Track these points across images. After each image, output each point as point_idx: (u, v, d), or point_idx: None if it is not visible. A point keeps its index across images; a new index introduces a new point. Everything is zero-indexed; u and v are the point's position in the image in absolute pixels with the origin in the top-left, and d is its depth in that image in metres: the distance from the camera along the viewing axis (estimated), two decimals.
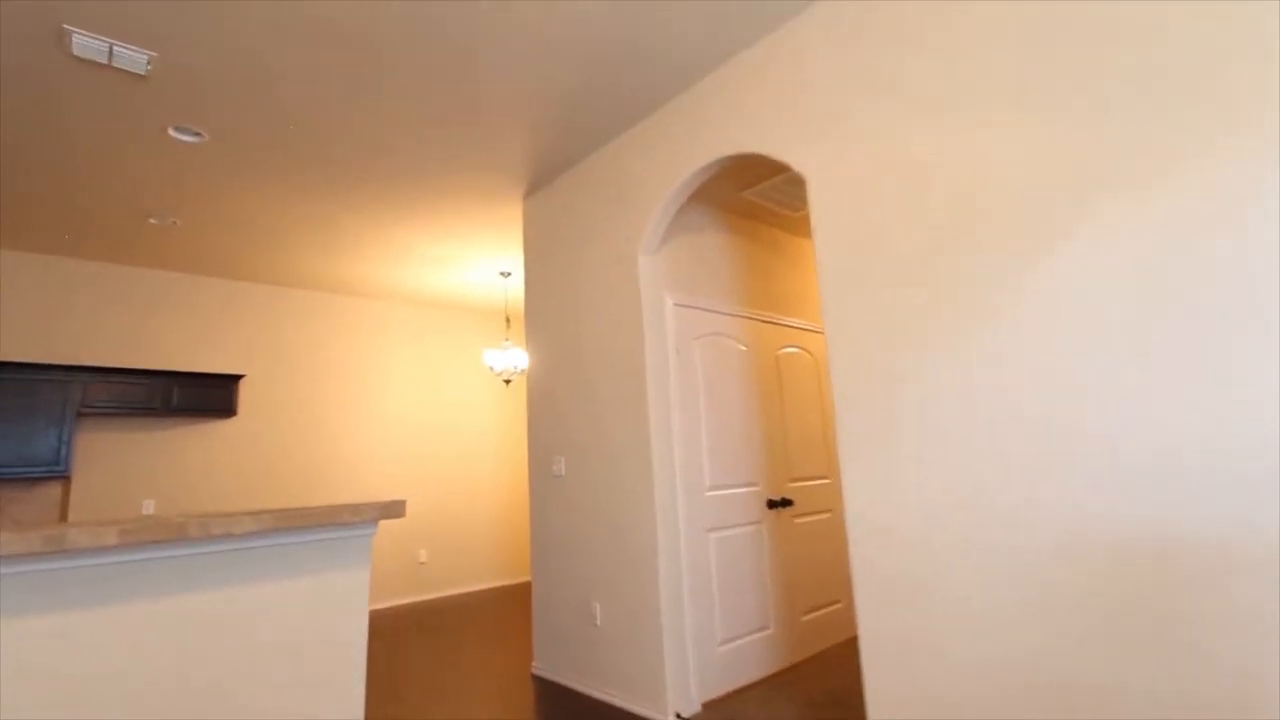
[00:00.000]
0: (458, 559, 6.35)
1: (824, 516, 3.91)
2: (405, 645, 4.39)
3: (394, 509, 2.01)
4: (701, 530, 3.15)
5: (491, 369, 5.41)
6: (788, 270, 4.18)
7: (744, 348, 3.64)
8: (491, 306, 6.74)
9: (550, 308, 3.75)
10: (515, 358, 5.37)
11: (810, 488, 3.86)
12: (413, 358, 6.42)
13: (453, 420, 6.58)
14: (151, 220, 4.20)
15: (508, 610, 5.26)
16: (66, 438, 4.41)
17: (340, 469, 5.80)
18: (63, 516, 4.55)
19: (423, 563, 6.13)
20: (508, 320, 5.61)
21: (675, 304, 3.28)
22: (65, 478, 4.58)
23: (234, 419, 5.32)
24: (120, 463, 4.81)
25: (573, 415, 3.49)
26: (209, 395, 5.00)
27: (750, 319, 3.74)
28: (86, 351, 4.78)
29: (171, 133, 3.17)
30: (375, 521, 2.01)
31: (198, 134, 3.21)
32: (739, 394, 3.53)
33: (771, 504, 3.54)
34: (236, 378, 5.14)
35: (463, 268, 5.41)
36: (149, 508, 4.87)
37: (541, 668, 3.53)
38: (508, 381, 5.41)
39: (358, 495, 5.85)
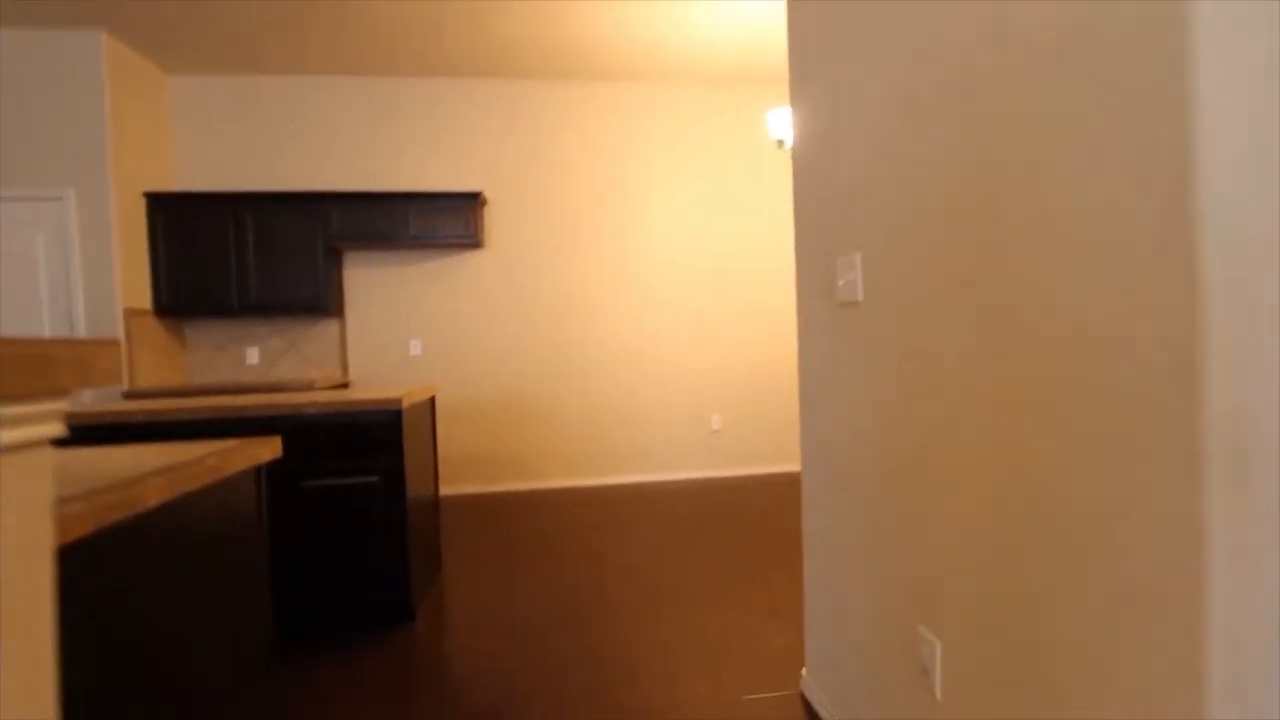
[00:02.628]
0: (756, 428, 4.77)
1: None
2: (644, 560, 3.05)
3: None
4: None
5: (780, 145, 3.31)
6: None
7: None
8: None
9: None
10: None
11: None
12: (683, 155, 4.68)
13: (742, 239, 4.74)
14: None
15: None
16: (325, 272, 4.09)
17: (607, 305, 4.63)
18: (343, 358, 4.41)
19: (716, 430, 4.74)
20: None
21: None
22: (339, 316, 4.37)
23: (483, 251, 4.49)
24: (383, 300, 4.43)
25: (877, 136, 1.30)
26: (448, 218, 4.17)
27: None
28: (322, 176, 4.36)
29: None
30: None
31: None
32: None
33: None
34: (473, 195, 4.20)
35: None
36: (416, 348, 4.46)
37: (814, 688, 1.72)
38: None
39: (628, 343, 4.65)
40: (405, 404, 2.28)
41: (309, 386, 3.76)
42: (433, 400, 2.84)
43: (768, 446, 4.77)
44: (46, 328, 3.60)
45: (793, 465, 4.76)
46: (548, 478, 4.56)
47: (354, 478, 2.25)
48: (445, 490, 4.39)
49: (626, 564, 2.91)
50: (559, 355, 4.57)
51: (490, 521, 3.77)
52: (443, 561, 2.97)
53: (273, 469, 2.20)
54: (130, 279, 3.78)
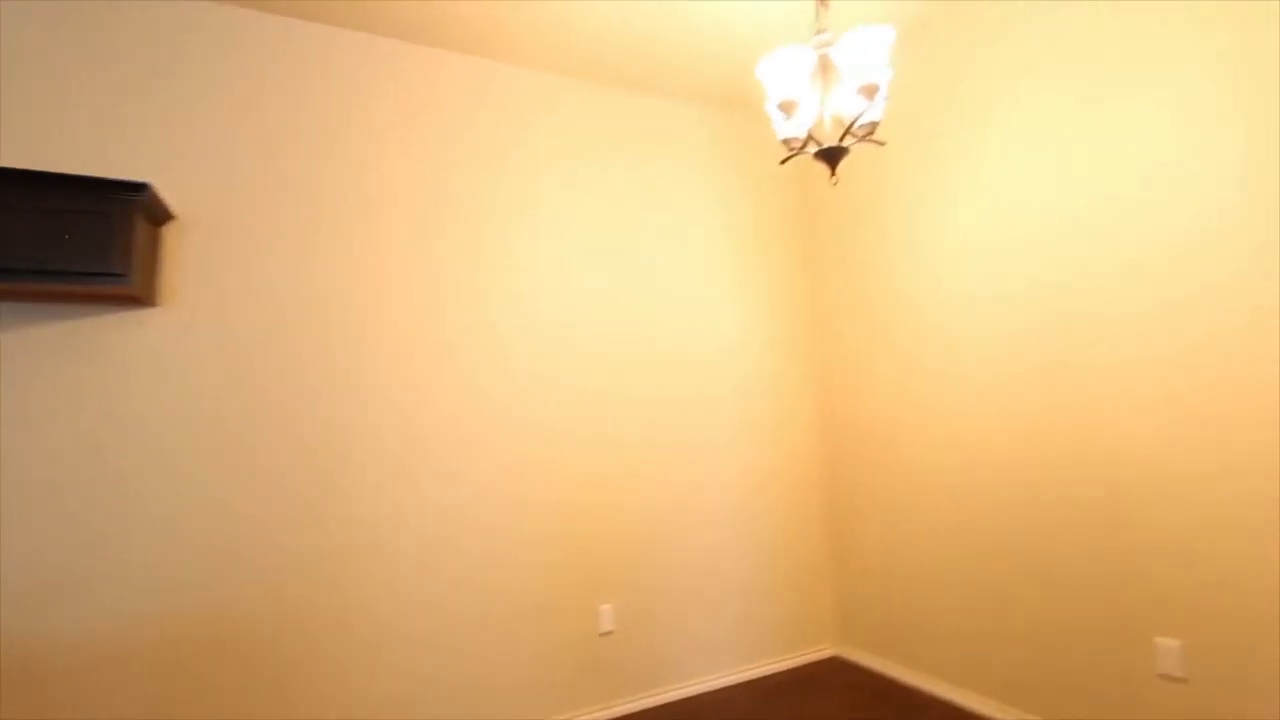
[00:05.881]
0: (675, 624, 2.91)
1: None
2: None
3: None
4: None
5: (779, 137, 1.76)
6: None
7: None
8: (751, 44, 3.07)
9: None
10: (863, 62, 1.63)
11: None
12: (567, 187, 2.99)
13: (667, 320, 3.09)
14: None
15: None
16: None
17: (404, 422, 2.57)
18: None
19: (606, 633, 2.77)
20: None
21: None
22: None
23: (160, 312, 2.24)
24: None
25: None
26: (77, 232, 1.90)
27: None
28: None
29: None
30: None
31: None
32: None
33: None
34: (130, 188, 2.00)
35: None
36: None
37: None
38: (835, 160, 1.73)
39: (450, 470, 2.60)
40: None
41: None
42: None
43: (680, 650, 2.89)
44: None
45: (734, 672, 2.91)
46: None
47: None
48: None
49: None
50: (315, 520, 2.34)
51: None
52: None
53: None
54: None
